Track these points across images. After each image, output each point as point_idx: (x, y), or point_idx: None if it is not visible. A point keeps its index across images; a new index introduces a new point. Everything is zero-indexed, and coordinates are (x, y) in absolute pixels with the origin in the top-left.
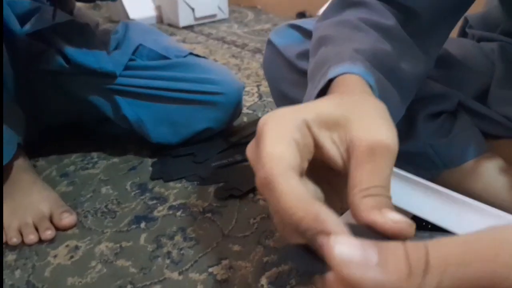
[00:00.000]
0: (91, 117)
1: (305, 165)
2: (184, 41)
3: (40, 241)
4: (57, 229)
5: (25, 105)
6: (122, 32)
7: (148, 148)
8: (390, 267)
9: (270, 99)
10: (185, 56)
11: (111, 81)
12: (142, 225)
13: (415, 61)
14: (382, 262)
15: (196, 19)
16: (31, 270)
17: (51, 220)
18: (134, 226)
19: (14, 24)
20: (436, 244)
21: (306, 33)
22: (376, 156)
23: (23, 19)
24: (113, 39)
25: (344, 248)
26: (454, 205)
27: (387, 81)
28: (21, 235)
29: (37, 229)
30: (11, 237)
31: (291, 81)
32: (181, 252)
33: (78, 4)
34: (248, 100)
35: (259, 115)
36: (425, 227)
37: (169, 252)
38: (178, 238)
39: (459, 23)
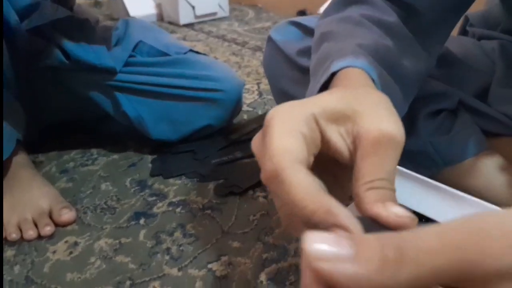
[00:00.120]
0: (91, 114)
1: (311, 159)
2: (184, 39)
3: (39, 237)
4: (56, 225)
5: (25, 102)
6: (122, 28)
7: (148, 145)
8: (362, 259)
9: (270, 96)
10: (185, 53)
11: (111, 77)
12: (142, 221)
13: (416, 58)
14: (355, 255)
15: (196, 17)
16: (30, 265)
17: (50, 216)
18: (133, 223)
19: (14, 19)
20: (411, 235)
21: (306, 30)
22: (382, 147)
23: (22, 15)
24: (114, 35)
25: (315, 242)
26: (455, 202)
27: (389, 77)
28: (20, 230)
29: (36, 225)
30: (10, 232)
31: (291, 78)
32: (181, 248)
33: (79, 0)
34: (248, 98)
35: (259, 112)
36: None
37: (168, 248)
38: (177, 234)
39: (460, 22)
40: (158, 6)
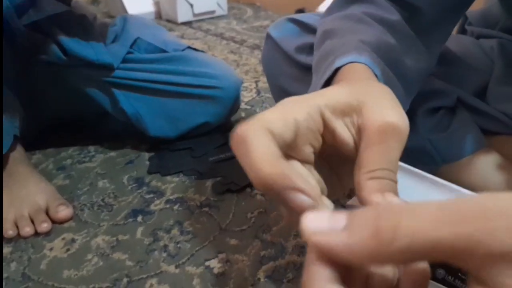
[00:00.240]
0: (89, 110)
1: (309, 151)
2: (182, 36)
3: (36, 233)
4: (53, 222)
5: (23, 98)
6: (120, 25)
7: (146, 142)
8: (355, 228)
9: (268, 94)
10: (183, 50)
11: (109, 74)
12: (139, 218)
13: (418, 56)
14: (348, 225)
15: (194, 15)
16: (27, 262)
17: (47, 212)
18: (130, 220)
19: (12, 15)
20: (410, 205)
21: (305, 27)
22: (386, 137)
23: (20, 11)
24: (111, 32)
25: (311, 219)
26: (456, 197)
27: (392, 74)
28: (17, 227)
29: (33, 222)
30: (7, 229)
31: (290, 75)
32: (178, 245)
33: None
34: (246, 96)
35: (257, 110)
36: None
37: (165, 246)
38: (175, 231)
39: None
40: (156, 4)
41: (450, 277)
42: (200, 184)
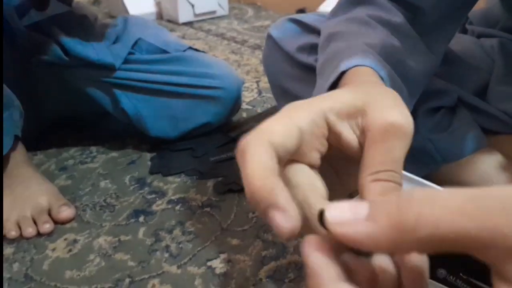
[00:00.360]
0: (90, 111)
1: (316, 155)
2: (183, 37)
3: (39, 234)
4: (55, 222)
5: (24, 98)
6: (121, 25)
7: (147, 143)
8: (378, 219)
9: (270, 95)
10: (184, 51)
11: (110, 74)
12: (141, 219)
13: (422, 58)
14: (371, 216)
15: (195, 15)
16: (29, 263)
17: (49, 213)
18: (132, 220)
19: (13, 16)
20: (433, 197)
21: (306, 27)
22: (389, 136)
23: (21, 11)
24: (112, 32)
25: (333, 210)
26: None
27: (397, 76)
28: (20, 228)
29: (35, 222)
30: (10, 230)
31: (290, 75)
32: (180, 245)
33: None
34: (247, 96)
35: (258, 110)
36: None
37: (167, 246)
38: (176, 232)
39: None
40: (158, 4)
41: (451, 277)
42: (201, 184)
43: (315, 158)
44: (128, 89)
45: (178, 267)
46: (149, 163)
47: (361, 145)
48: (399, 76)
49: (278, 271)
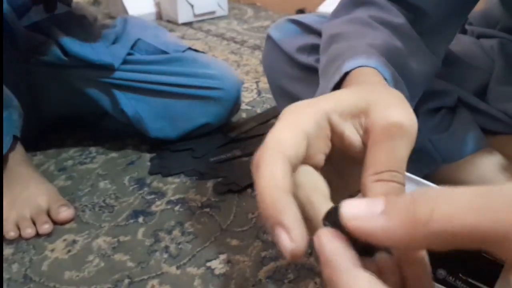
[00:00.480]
0: (90, 111)
1: (321, 157)
2: (183, 37)
3: (38, 235)
4: (54, 223)
5: (23, 98)
6: (120, 26)
7: (147, 143)
8: (393, 214)
9: (269, 95)
10: (183, 51)
11: (109, 75)
12: (140, 219)
13: (423, 59)
14: (386, 211)
15: (195, 15)
16: (28, 264)
17: (48, 214)
18: (132, 221)
19: (12, 16)
20: (447, 193)
21: (305, 28)
22: (392, 136)
23: (20, 12)
24: (112, 33)
25: (349, 207)
26: None
27: (399, 77)
28: (19, 228)
29: (34, 223)
30: (9, 230)
31: (290, 76)
32: (179, 246)
33: None
34: (247, 96)
35: (258, 111)
36: None
37: (167, 247)
38: (176, 232)
39: None
40: (157, 4)
41: (451, 277)
42: (201, 185)
43: (320, 159)
44: (128, 90)
45: (178, 267)
46: (149, 163)
47: (365, 145)
48: (401, 77)
49: (278, 271)
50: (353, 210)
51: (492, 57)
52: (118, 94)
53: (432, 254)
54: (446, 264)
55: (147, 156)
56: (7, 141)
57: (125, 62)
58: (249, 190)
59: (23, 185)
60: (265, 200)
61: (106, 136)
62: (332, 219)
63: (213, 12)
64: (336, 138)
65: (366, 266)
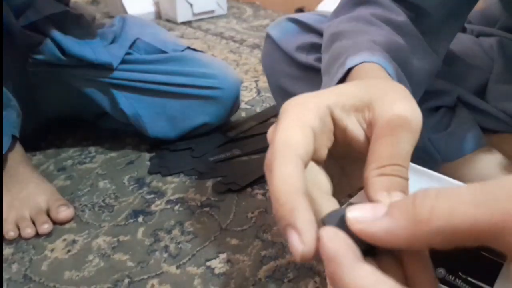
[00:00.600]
0: (89, 111)
1: (324, 152)
2: (182, 36)
3: (37, 234)
4: (54, 222)
5: (22, 97)
6: (119, 25)
7: (146, 143)
8: (394, 215)
9: (268, 94)
10: (182, 50)
11: (108, 74)
12: (140, 219)
13: (425, 57)
14: (389, 213)
15: (194, 14)
16: (28, 264)
17: (48, 213)
18: (131, 220)
19: (10, 16)
20: (446, 191)
21: (304, 26)
22: (396, 129)
23: (18, 12)
24: (110, 32)
25: (354, 211)
26: None
27: (402, 73)
28: (18, 228)
29: (34, 223)
30: (8, 230)
31: (289, 74)
32: (179, 246)
33: None
34: (246, 96)
35: (257, 110)
36: None
37: (166, 246)
38: (176, 232)
39: None
40: (156, 4)
41: (450, 276)
42: (200, 184)
43: (323, 154)
44: (126, 89)
45: (177, 267)
46: (148, 163)
47: (368, 139)
48: (404, 74)
49: (278, 271)
50: (357, 214)
51: (492, 56)
52: (117, 93)
53: (431, 253)
54: (445, 263)
55: (147, 155)
56: (6, 141)
57: (123, 61)
58: (248, 190)
59: (22, 185)
60: (278, 201)
61: (106, 136)
62: (335, 220)
63: (212, 11)
64: (339, 132)
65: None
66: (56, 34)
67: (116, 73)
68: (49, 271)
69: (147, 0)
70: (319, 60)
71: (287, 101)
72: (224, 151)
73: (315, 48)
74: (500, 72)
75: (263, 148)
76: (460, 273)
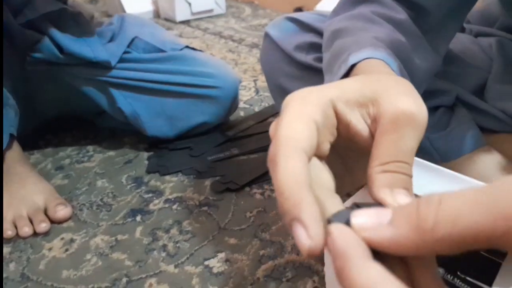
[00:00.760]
0: (87, 109)
1: (326, 146)
2: (180, 35)
3: (35, 233)
4: (52, 221)
5: (20, 96)
6: (117, 24)
7: (144, 142)
8: (399, 223)
9: (267, 93)
10: (181, 49)
11: (106, 73)
12: (138, 218)
13: (425, 56)
14: (394, 220)
15: (193, 14)
16: (25, 263)
17: (46, 212)
18: (129, 219)
19: (8, 15)
20: (449, 196)
21: (303, 26)
22: (400, 125)
23: (16, 10)
24: (108, 30)
25: (358, 217)
26: None
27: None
28: (16, 227)
29: (31, 222)
30: (6, 229)
31: (288, 74)
32: (177, 245)
33: None
34: (245, 95)
35: (256, 109)
36: None
37: (165, 245)
38: (174, 231)
39: None
40: (155, 2)
41: (449, 276)
42: (199, 184)
43: (325, 148)
44: (125, 88)
45: (176, 266)
46: (146, 162)
47: (372, 135)
48: (406, 71)
49: (276, 270)
50: (362, 220)
51: (491, 55)
52: (115, 92)
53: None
54: (444, 262)
55: (145, 154)
56: (3, 139)
57: (122, 60)
58: (247, 189)
59: (20, 184)
60: (283, 195)
61: (104, 135)
62: (340, 223)
63: (210, 10)
64: (342, 127)
65: None
66: (54, 32)
67: (114, 72)
68: (47, 270)
69: None
70: (318, 59)
71: (290, 95)
72: (222, 150)
73: (314, 47)
74: (499, 72)
75: (262, 147)
76: (458, 273)
